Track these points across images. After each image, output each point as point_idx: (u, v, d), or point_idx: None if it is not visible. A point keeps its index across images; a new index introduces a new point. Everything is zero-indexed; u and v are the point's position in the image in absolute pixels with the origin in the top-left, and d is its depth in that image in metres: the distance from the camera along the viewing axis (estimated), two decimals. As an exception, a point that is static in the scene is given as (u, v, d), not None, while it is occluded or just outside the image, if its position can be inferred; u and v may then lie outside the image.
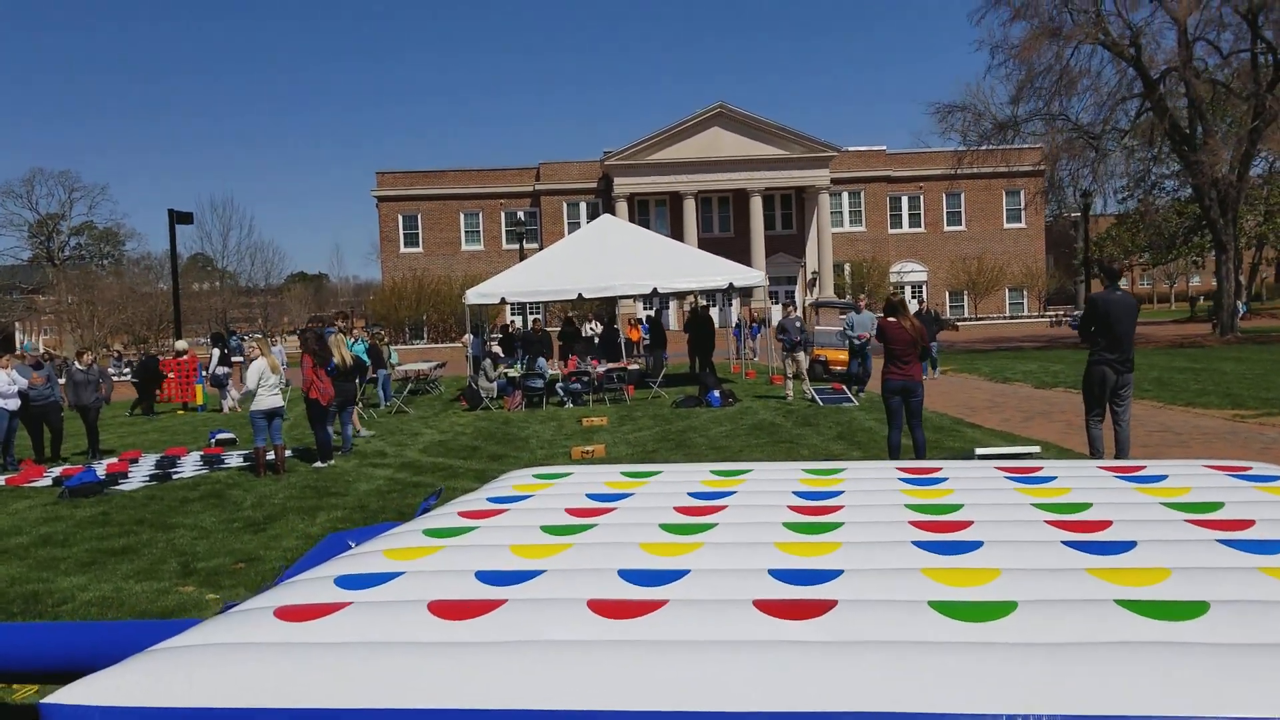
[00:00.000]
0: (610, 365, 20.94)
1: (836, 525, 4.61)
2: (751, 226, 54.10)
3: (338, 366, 13.84)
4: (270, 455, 12.80)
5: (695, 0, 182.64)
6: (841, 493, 5.46)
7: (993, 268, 54.96)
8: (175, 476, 12.82)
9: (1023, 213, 57.95)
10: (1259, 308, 56.85)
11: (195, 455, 14.81)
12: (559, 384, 20.68)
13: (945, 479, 5.62)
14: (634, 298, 26.56)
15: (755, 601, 3.48)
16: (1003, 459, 10.57)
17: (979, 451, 10.42)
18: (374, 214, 58.35)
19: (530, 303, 33.46)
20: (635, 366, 22.44)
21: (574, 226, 57.06)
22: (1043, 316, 55.45)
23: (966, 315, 56.27)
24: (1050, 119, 33.97)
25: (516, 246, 57.31)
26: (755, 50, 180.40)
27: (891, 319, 10.42)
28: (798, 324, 19.00)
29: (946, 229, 58.18)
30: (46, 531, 9.58)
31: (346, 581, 4.22)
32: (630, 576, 3.87)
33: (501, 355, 23.18)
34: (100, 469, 13.51)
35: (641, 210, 56.38)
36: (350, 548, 6.02)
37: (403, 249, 57.55)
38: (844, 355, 22.55)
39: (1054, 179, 35.21)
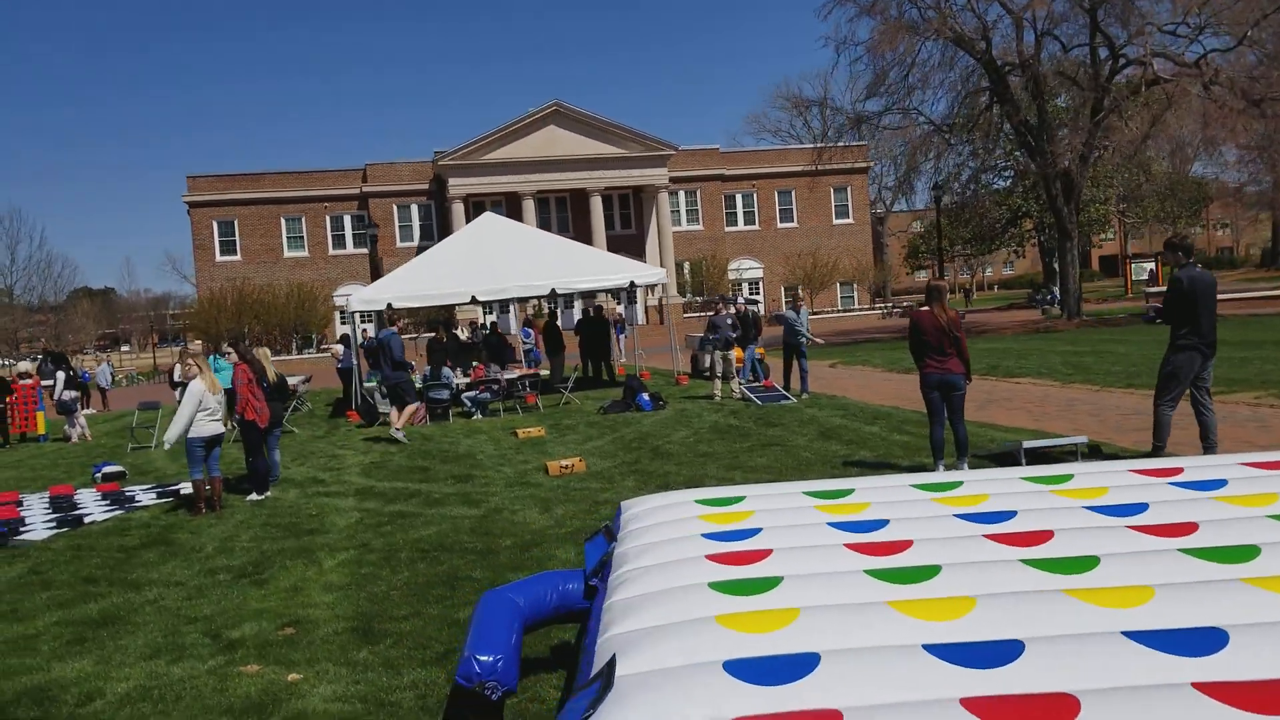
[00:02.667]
0: (522, 372, 19.64)
1: (1092, 561, 3.80)
2: (592, 226, 53.27)
3: (271, 384, 12.15)
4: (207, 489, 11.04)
5: None
6: (1015, 513, 4.66)
7: (826, 263, 56.07)
8: (87, 520, 10.88)
9: (850, 209, 59.48)
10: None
11: (91, 494, 12.76)
12: (465, 394, 19.24)
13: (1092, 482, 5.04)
14: (532, 299, 25.41)
15: (1197, 684, 2.68)
16: (1050, 450, 10.12)
17: (1026, 445, 9.93)
18: (169, 223, 54.57)
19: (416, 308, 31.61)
20: (545, 373, 21.21)
21: (405, 230, 54.83)
22: (873, 309, 56.99)
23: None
24: (904, 113, 34.62)
25: (357, 250, 54.63)
26: (588, 50, 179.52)
27: (924, 308, 9.76)
28: (729, 321, 18.27)
29: (780, 226, 59.04)
30: (-23, 601, 7.74)
31: (742, 670, 3.13)
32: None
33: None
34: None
35: (477, 211, 54.46)
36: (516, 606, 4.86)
37: (219, 257, 53.81)
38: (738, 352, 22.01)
39: (909, 174, 35.89)
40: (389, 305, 19.95)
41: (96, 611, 7.16)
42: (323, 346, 50.19)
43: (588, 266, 22.16)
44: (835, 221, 59.57)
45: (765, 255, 58.58)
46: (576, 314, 27.32)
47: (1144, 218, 56.65)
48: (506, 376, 19.56)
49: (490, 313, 49.30)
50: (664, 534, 4.95)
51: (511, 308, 27.67)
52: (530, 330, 30.28)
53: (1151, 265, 59.11)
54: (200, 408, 10.85)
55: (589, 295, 26.48)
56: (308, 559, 8.33)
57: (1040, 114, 32.22)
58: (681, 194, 57.20)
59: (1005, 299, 65.14)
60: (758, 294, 58.07)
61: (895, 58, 33.61)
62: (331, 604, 6.85)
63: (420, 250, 53.48)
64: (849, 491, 5.43)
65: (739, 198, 58.77)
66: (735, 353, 18.35)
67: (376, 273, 41.12)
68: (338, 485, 12.05)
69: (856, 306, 58.26)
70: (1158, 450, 9.38)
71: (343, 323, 54.12)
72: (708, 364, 23.95)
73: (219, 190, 53.29)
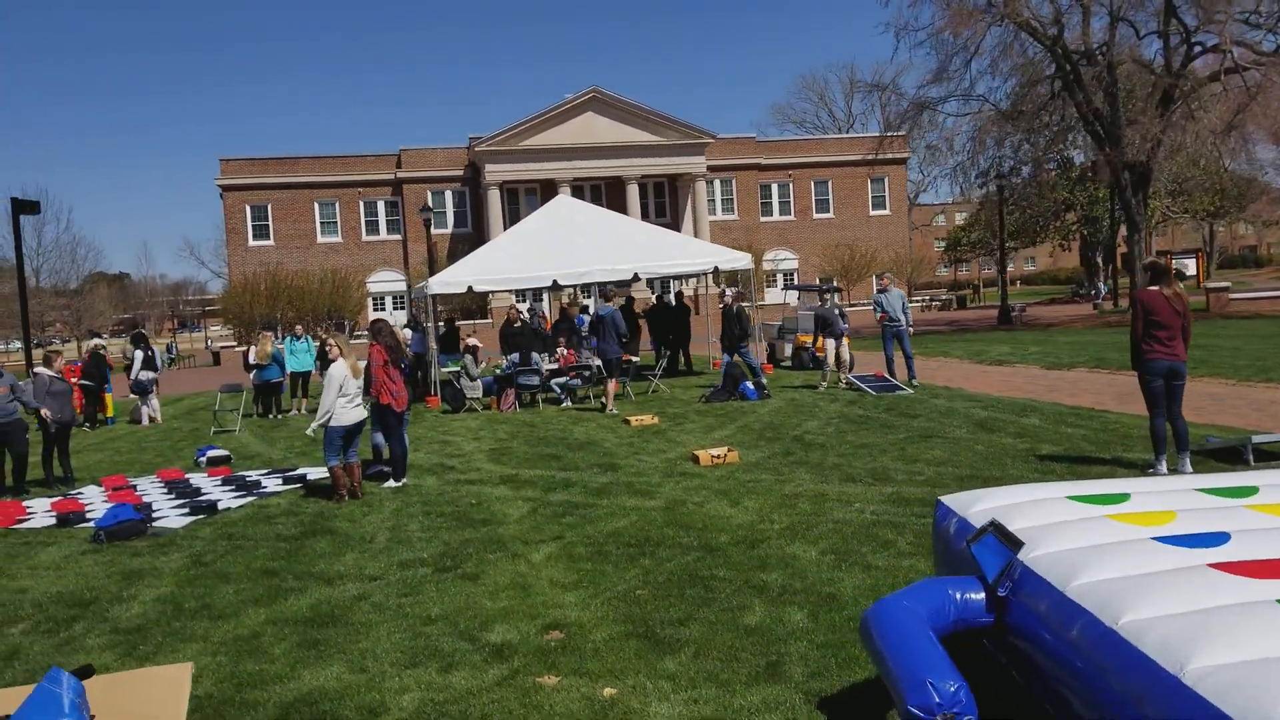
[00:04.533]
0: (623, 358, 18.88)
1: None
2: (628, 215, 52.48)
3: (411, 366, 11.47)
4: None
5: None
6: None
7: (864, 254, 55.32)
8: (221, 507, 10.21)
9: (887, 200, 58.73)
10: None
11: (204, 479, 12.10)
12: (555, 380, 18.55)
13: None
14: (614, 284, 24.74)
15: None
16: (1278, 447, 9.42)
17: (1255, 440, 9.25)
18: (189, 207, 53.78)
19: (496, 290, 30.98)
20: (636, 360, 20.50)
21: (440, 217, 54.10)
22: (912, 301, 56.23)
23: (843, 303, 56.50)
24: (965, 99, 33.86)
25: (391, 236, 53.95)
26: (623, 35, 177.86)
27: (1153, 288, 9.05)
28: (837, 310, 17.57)
29: (816, 216, 58.29)
30: (162, 593, 7.05)
31: None
32: None
33: (479, 349, 20.71)
34: (99, 502, 10.76)
35: (512, 199, 53.98)
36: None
37: (251, 242, 53.17)
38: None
39: (973, 160, 35.12)
40: (610, 285, 20.02)
41: (306, 609, 6.49)
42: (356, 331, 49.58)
43: (671, 250, 21.48)
44: (872, 213, 58.82)
45: (801, 246, 57.82)
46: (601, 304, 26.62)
47: (1192, 211, 55.83)
48: (596, 362, 18.86)
49: (524, 300, 48.67)
50: (1086, 536, 4.26)
51: (594, 291, 26.95)
52: (584, 318, 29.58)
53: (1192, 261, 58.39)
54: (341, 393, 10.19)
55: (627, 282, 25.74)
56: (504, 551, 7.65)
57: (1112, 102, 31.42)
58: (717, 183, 56.48)
59: (1043, 294, 64.28)
60: (793, 281, 57.27)
61: (960, 43, 32.84)
62: (579, 604, 6.17)
63: (455, 237, 52.85)
64: (1253, 490, 4.73)
65: (775, 187, 58.03)
66: (844, 342, 17.62)
67: (432, 258, 40.36)
68: (474, 473, 11.38)
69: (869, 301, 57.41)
70: None
71: (397, 308, 53.49)
72: (788, 353, 23.35)
73: (252, 174, 52.62)
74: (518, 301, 48.30)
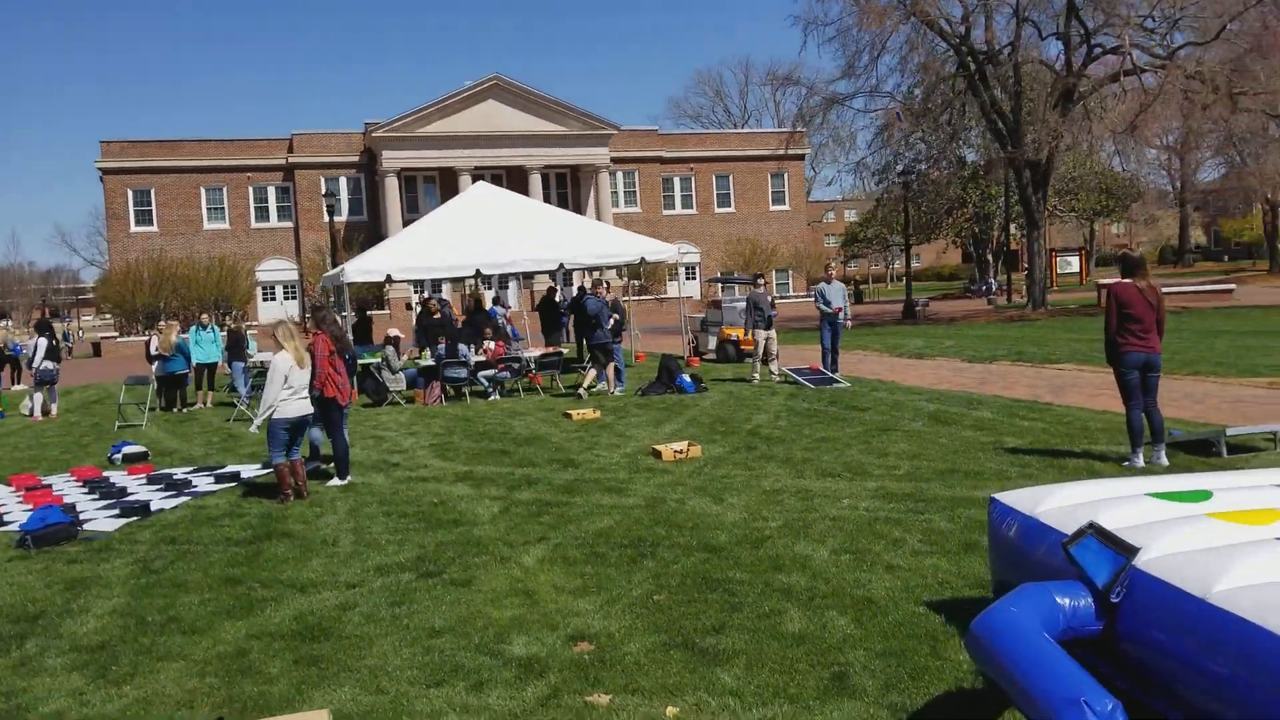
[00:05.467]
0: (545, 350, 18.42)
1: None
2: (531, 205, 51.75)
3: (352, 357, 10.83)
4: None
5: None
6: None
7: (765, 249, 55.66)
8: (154, 509, 9.44)
9: (787, 196, 59.24)
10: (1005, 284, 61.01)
11: (124, 477, 11.25)
12: (483, 373, 17.96)
13: None
14: (538, 274, 24.07)
15: None
16: (1250, 438, 9.51)
17: (1230, 432, 9.31)
18: (60, 194, 50.98)
19: (414, 280, 29.92)
20: (566, 351, 20.02)
21: (331, 203, 52.41)
22: (808, 296, 56.84)
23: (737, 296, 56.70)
24: (870, 95, 34.22)
25: (281, 223, 52.10)
26: (522, 25, 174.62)
27: (1127, 280, 9.03)
28: (769, 300, 17.39)
29: (717, 210, 58.44)
30: (117, 604, 6.36)
31: None
32: None
33: (400, 341, 19.94)
34: (13, 503, 9.87)
35: (410, 187, 52.74)
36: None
37: (134, 227, 50.68)
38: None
39: (881, 155, 35.50)
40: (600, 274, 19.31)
41: (289, 621, 5.92)
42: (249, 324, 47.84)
43: (597, 241, 21.08)
44: (773, 208, 59.25)
45: (703, 240, 57.87)
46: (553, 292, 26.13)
47: (1078, 210, 57.69)
48: (528, 355, 18.35)
49: (420, 291, 47.54)
50: (1198, 538, 4.03)
51: (512, 284, 26.33)
52: (498, 310, 28.97)
53: (1075, 258, 60.41)
54: (285, 385, 9.53)
55: (544, 274, 25.29)
56: (488, 554, 7.17)
57: (1015, 101, 32.11)
58: (620, 175, 56.13)
59: (932, 289, 65.72)
60: (693, 277, 57.34)
61: (868, 40, 33.15)
62: (598, 612, 5.75)
63: (350, 226, 51.38)
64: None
65: (677, 180, 57.96)
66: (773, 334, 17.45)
67: (335, 246, 39.04)
68: (423, 470, 10.81)
69: (793, 293, 58.04)
70: None
71: (288, 298, 51.71)
72: (712, 346, 23.16)
73: (135, 157, 50.22)
74: (431, 292, 47.22)
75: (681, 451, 10.67)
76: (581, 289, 23.23)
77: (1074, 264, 59.61)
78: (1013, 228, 49.92)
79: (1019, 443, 10.38)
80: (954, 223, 56.40)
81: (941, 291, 61.35)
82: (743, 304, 24.22)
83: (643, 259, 21.06)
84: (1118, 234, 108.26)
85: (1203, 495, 4.55)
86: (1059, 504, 4.85)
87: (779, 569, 6.38)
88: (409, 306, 49.13)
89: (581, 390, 16.52)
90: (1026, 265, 46.18)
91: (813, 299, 18.50)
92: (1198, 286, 39.26)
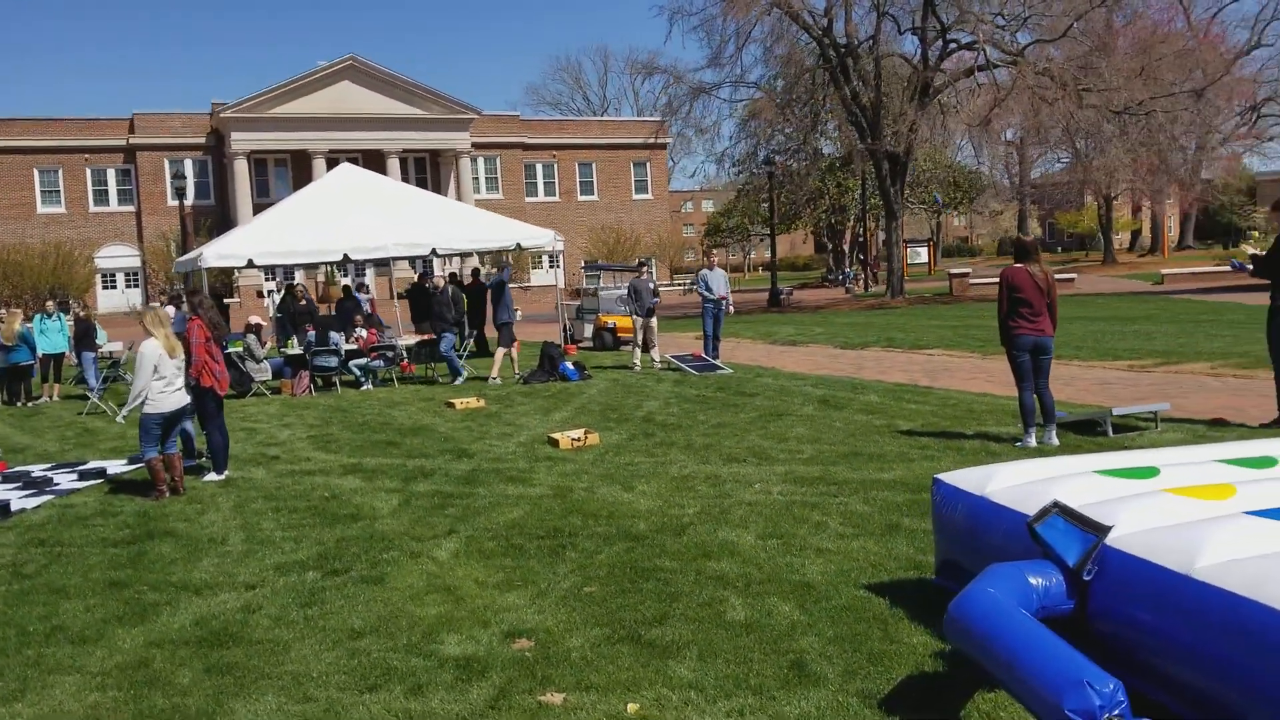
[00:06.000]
0: (420, 338, 17.86)
1: None
2: (389, 191, 50.46)
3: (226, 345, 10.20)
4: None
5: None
6: None
7: (628, 237, 55.70)
8: (14, 509, 8.69)
9: (650, 185, 59.43)
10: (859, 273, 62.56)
11: (-25, 477, 10.35)
12: (354, 362, 17.31)
13: None
14: (398, 260, 23.41)
15: None
16: (1133, 418, 9.84)
17: (1116, 411, 9.61)
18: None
19: (276, 265, 28.66)
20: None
21: (180, 186, 50.00)
22: (673, 285, 57.18)
23: (602, 285, 56.62)
24: (735, 85, 34.56)
25: (122, 207, 49.40)
26: (379, 5, 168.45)
27: (1019, 264, 9.22)
28: (651, 287, 17.28)
29: (580, 198, 58.18)
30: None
31: None
32: None
33: (261, 328, 19.01)
34: None
35: (260, 170, 50.73)
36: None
37: (-42, 210, 47.32)
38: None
39: (743, 145, 35.86)
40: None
41: (189, 626, 5.46)
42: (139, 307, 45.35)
43: (471, 226, 20.58)
44: (635, 196, 59.33)
45: (566, 228, 57.37)
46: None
47: (928, 203, 59.64)
48: (402, 343, 17.79)
49: (271, 278, 45.81)
50: (1164, 514, 4.04)
51: (370, 270, 25.52)
52: (363, 297, 28.09)
53: (924, 249, 62.51)
54: (156, 375, 8.91)
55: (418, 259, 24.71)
56: (397, 549, 6.81)
57: (877, 94, 32.88)
58: (481, 161, 55.26)
59: (789, 279, 66.97)
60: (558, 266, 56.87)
61: (733, 30, 33.42)
62: (529, 607, 5.49)
63: (197, 210, 49.09)
64: (1272, 460, 4.69)
65: (539, 167, 57.44)
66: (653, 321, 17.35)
67: (185, 230, 37.14)
68: (305, 462, 10.28)
69: (657, 281, 58.16)
70: None
71: (130, 286, 49.05)
72: (588, 334, 22.95)
73: (-43, 133, 46.82)
74: (267, 279, 45.51)
75: (579, 439, 10.44)
76: (453, 275, 22.70)
77: (923, 255, 61.67)
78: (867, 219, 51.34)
79: (911, 425, 10.52)
80: (813, 214, 57.61)
81: (800, 281, 62.61)
82: (620, 291, 24.14)
83: (519, 245, 20.65)
84: (958, 226, 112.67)
85: (1151, 472, 4.60)
86: (1008, 483, 4.84)
87: (708, 556, 6.24)
88: (261, 294, 47.35)
89: (494, 377, 16.21)
90: (864, 256, 47.48)
91: (694, 286, 18.48)
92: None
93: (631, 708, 4.17)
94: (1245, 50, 52.51)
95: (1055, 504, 4.17)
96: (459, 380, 16.52)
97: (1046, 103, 30.75)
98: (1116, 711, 3.12)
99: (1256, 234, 66.87)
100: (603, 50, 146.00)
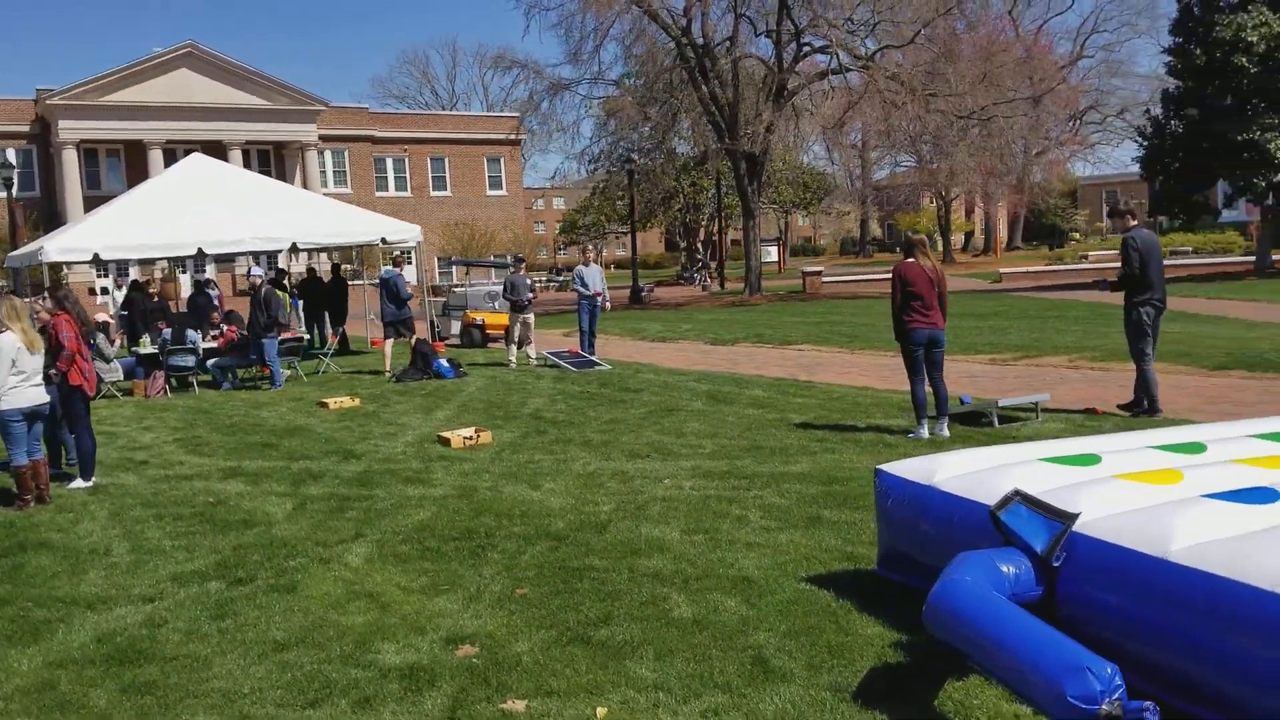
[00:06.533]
0: (285, 336, 17.11)
1: None
2: (232, 184, 48.45)
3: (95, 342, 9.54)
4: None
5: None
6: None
7: (484, 233, 54.99)
8: None
9: (504, 181, 58.85)
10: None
11: None
12: (213, 362, 16.49)
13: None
14: (263, 254, 22.33)
15: None
16: (1017, 409, 10.17)
17: (1002, 403, 9.93)
18: None
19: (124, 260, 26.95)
20: (308, 336, 18.71)
21: (7, 176, 46.86)
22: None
23: (456, 282, 55.81)
24: (593, 82, 34.55)
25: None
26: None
27: (910, 259, 9.43)
28: (528, 282, 17.02)
29: (433, 194, 57.13)
30: None
31: None
32: None
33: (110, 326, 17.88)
34: None
35: (91, 160, 47.96)
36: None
37: None
38: (503, 318, 20.86)
39: (603, 143, 35.84)
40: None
41: (90, 644, 5.03)
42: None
43: (333, 220, 19.91)
44: (490, 192, 58.64)
45: (418, 223, 56.20)
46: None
47: (780, 203, 60.92)
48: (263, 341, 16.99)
49: (105, 275, 43.42)
50: (1123, 500, 4.14)
51: (211, 266, 24.39)
52: (217, 292, 26.87)
53: (774, 249, 63.87)
54: (14, 369, 8.24)
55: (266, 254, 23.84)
56: (303, 556, 6.46)
57: (735, 94, 33.33)
58: (329, 154, 53.70)
59: (644, 277, 67.32)
60: (410, 262, 55.77)
61: (592, 27, 33.38)
62: (464, 611, 5.27)
63: (22, 202, 46.07)
64: (1201, 446, 4.87)
65: (390, 161, 56.15)
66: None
67: (14, 222, 34.75)
68: (179, 467, 9.70)
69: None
70: (1156, 407, 9.74)
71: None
72: (454, 331, 22.51)
73: None
74: (99, 275, 43.08)
75: (472, 438, 10.17)
76: (311, 270, 21.91)
77: (773, 254, 63.04)
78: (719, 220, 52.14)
79: (804, 418, 10.64)
80: (668, 213, 58.13)
81: (656, 279, 63.00)
82: (489, 288, 23.77)
83: (383, 239, 20.13)
84: (803, 226, 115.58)
85: (1093, 459, 4.71)
86: (956, 472, 4.89)
87: (637, 553, 6.13)
88: (94, 291, 44.78)
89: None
90: (714, 257, 48.13)
91: (571, 282, 18.34)
92: (887, 275, 42.49)
93: (600, 712, 4.02)
94: (1072, 61, 55.51)
95: (1017, 492, 4.22)
96: (276, 387, 15.49)
97: (896, 107, 31.76)
98: (1116, 696, 3.15)
99: (1078, 235, 70.89)
100: (451, 44, 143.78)
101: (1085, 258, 46.97)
